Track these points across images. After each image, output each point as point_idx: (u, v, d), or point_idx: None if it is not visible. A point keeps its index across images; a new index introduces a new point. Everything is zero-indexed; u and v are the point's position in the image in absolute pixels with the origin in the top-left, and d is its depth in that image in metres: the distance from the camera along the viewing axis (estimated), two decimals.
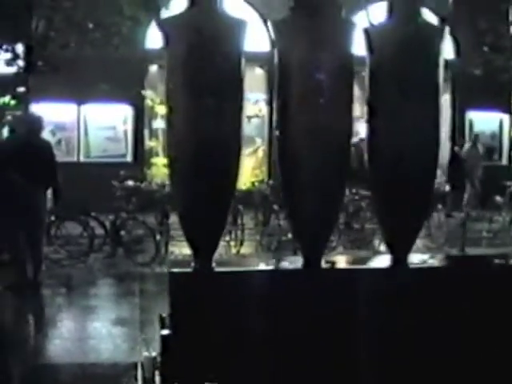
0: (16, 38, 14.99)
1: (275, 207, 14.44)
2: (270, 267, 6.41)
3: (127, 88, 18.97)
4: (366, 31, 6.25)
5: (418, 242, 14.91)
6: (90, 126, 20.74)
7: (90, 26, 14.55)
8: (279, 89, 6.12)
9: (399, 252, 6.35)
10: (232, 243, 14.50)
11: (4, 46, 14.83)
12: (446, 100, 22.04)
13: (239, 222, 14.34)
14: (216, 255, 5.95)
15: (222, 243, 15.26)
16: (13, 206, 10.58)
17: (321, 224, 6.14)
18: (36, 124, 11.52)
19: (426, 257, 7.13)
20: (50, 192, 11.30)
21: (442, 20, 6.59)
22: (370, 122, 6.32)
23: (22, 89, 16.79)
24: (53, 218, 12.99)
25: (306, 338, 5.78)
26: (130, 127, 20.92)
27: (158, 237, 13.39)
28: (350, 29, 6.17)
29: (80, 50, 15.31)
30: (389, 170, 6.22)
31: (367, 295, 5.93)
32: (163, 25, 5.91)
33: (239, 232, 14.35)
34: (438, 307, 5.98)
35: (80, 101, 20.20)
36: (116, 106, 20.45)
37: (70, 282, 12.09)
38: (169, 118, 5.90)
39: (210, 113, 5.76)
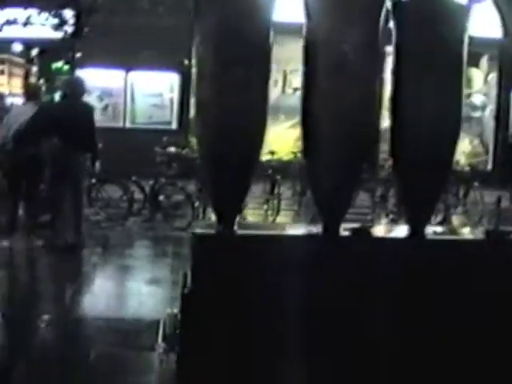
0: (64, 3, 15.36)
1: None
2: (289, 232, 6.68)
3: (174, 56, 19.26)
4: (393, 5, 6.45)
5: (455, 219, 15.04)
6: (137, 92, 21.10)
7: None
8: (306, 62, 6.36)
9: (417, 224, 6.57)
10: (269, 212, 14.78)
11: (52, 12, 15.20)
12: (492, 78, 22.01)
13: (276, 191, 14.60)
14: (250, 221, 6.25)
15: (259, 212, 15.61)
16: (53, 169, 10.96)
17: (339, 193, 6.39)
18: (78, 88, 11.84)
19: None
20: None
21: None
22: (393, 97, 6.53)
23: (71, 55, 17.20)
24: (94, 181, 13.39)
25: (321, 301, 6.04)
26: (176, 95, 21.23)
27: (196, 203, 13.70)
28: (379, 4, 6.37)
29: (127, 17, 15.62)
30: (409, 145, 6.44)
31: (381, 264, 6.17)
32: None
33: (276, 201, 14.61)
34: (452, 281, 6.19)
35: (128, 67, 20.54)
36: (163, 74, 20.76)
37: (108, 244, 12.48)
38: (197, 86, 6.17)
39: (236, 82, 6.01)
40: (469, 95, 21.10)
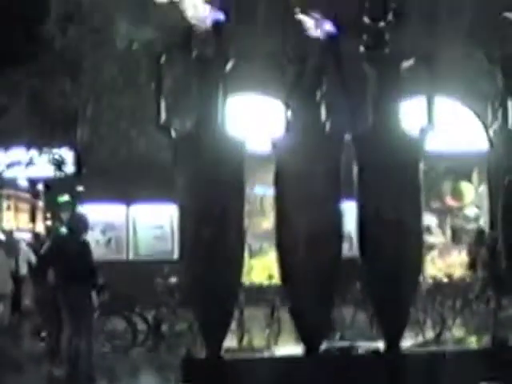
0: (63, 144, 16.41)
1: None
2: (272, 355, 7.33)
3: (172, 189, 20.09)
4: (354, 139, 7.30)
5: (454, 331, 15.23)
6: (139, 225, 21.93)
7: (134, 134, 15.86)
8: (278, 195, 7.17)
9: (391, 338, 7.22)
10: (271, 336, 15.25)
11: (52, 153, 16.24)
12: (483, 190, 22.77)
13: (275, 315, 15.12)
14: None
15: (262, 336, 16.04)
16: (57, 307, 11.57)
17: (316, 316, 7.08)
18: (81, 225, 12.54)
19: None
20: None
21: None
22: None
23: (74, 190, 18.08)
24: (98, 314, 13.99)
25: None
26: (176, 226, 21.95)
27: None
28: (338, 141, 7.23)
29: (126, 155, 16.60)
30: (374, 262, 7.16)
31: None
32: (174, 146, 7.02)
33: (276, 325, 15.11)
34: None
35: (128, 201, 21.42)
36: (162, 206, 21.62)
37: (114, 375, 12.96)
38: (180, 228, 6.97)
39: (214, 220, 6.79)
40: (462, 208, 21.93)
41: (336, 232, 7.20)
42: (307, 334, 7.10)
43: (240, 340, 14.45)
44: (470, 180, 22.39)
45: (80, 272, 11.61)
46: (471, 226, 22.35)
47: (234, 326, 14.48)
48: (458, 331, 15.12)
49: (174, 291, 15.31)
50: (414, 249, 7.35)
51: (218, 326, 6.91)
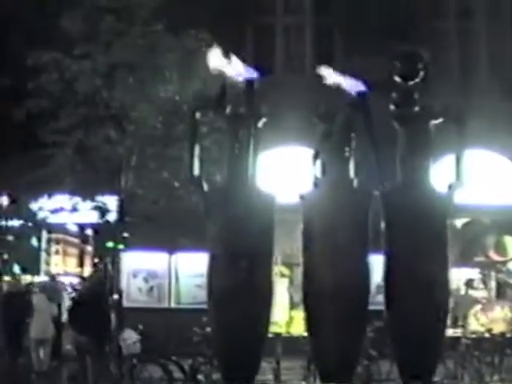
0: (107, 192, 16.78)
1: None
2: None
3: None
4: (382, 195, 7.52)
5: None
6: (181, 273, 22.20)
7: (176, 184, 16.17)
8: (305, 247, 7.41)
9: None
10: None
11: (95, 200, 16.61)
12: None
13: (312, 367, 15.22)
14: None
15: None
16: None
17: (343, 368, 7.25)
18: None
19: None
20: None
21: None
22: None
23: (118, 237, 18.35)
24: (135, 361, 14.23)
25: None
26: None
27: None
28: (366, 197, 7.45)
29: (167, 203, 16.92)
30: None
31: None
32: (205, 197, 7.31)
33: (312, 378, 15.21)
34: None
35: (171, 250, 21.73)
36: (204, 255, 21.89)
37: None
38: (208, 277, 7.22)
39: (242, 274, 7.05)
40: (505, 262, 21.85)
41: (363, 284, 7.39)
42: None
43: None
44: None
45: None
46: None
47: (270, 376, 14.71)
48: None
49: (211, 341, 15.51)
50: (441, 303, 7.49)
51: (243, 376, 7.11)
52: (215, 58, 7.24)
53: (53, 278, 19.76)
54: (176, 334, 17.51)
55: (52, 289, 17.57)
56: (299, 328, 17.82)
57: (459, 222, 20.69)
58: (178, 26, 15.38)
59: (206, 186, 7.45)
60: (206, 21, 16.94)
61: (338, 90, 7.62)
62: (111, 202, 17.49)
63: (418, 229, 7.40)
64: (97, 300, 12.12)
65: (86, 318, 11.80)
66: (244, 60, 7.70)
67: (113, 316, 13.17)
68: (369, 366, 14.57)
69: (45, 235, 34.57)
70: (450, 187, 7.71)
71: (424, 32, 19.49)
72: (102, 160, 16.30)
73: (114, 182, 16.57)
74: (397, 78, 7.95)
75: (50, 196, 17.82)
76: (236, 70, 7.38)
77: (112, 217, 17.42)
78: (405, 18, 18.93)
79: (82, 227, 29.12)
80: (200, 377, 14.78)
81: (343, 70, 7.78)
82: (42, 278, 19.58)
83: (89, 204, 17.23)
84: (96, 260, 29.86)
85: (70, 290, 23.19)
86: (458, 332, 16.27)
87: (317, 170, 7.67)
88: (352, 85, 7.66)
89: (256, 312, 7.10)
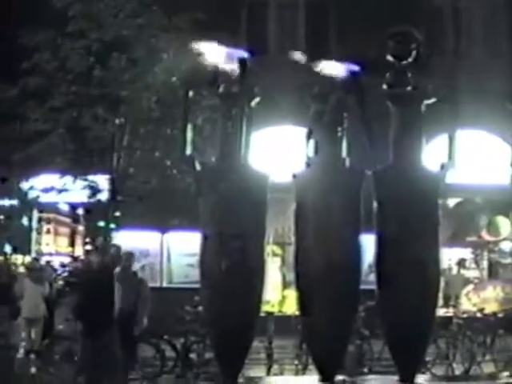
0: (97, 170, 16.81)
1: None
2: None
3: None
4: (374, 175, 7.58)
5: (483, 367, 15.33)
6: (173, 252, 22.32)
7: (168, 163, 16.24)
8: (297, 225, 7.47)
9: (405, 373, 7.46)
10: (299, 367, 15.47)
11: (86, 180, 16.64)
12: None
13: (304, 346, 15.34)
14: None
15: (290, 367, 16.23)
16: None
17: (333, 346, 7.33)
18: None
19: None
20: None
21: None
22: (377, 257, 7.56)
23: (110, 217, 18.38)
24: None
25: None
26: None
27: None
28: (358, 177, 7.51)
29: (159, 183, 16.98)
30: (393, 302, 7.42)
31: None
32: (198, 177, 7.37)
33: (304, 357, 15.32)
34: None
35: (163, 229, 21.83)
36: (197, 234, 21.94)
37: None
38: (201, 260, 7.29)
39: (234, 252, 7.11)
40: (497, 242, 21.99)
41: (355, 264, 7.46)
42: (323, 364, 7.35)
43: (268, 370, 14.71)
44: (506, 214, 22.46)
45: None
46: (507, 261, 22.40)
47: (263, 355, 14.83)
48: (487, 367, 15.22)
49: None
50: (432, 283, 7.57)
51: (235, 355, 7.18)
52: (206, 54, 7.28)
53: (34, 260, 19.61)
54: (168, 312, 17.57)
55: (42, 269, 17.63)
56: (292, 307, 17.93)
57: (452, 202, 20.83)
58: (173, 5, 15.39)
59: (198, 165, 7.49)
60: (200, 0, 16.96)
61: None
62: (103, 181, 17.55)
63: (410, 209, 7.46)
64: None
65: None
66: (237, 40, 7.74)
67: None
68: (361, 346, 14.70)
69: (36, 214, 34.64)
70: (442, 167, 7.77)
71: (419, 11, 19.53)
72: (94, 139, 16.33)
73: (106, 161, 16.62)
74: (390, 58, 7.98)
75: (38, 175, 17.87)
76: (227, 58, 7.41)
77: (104, 196, 17.48)
78: None
79: (73, 207, 29.16)
80: (192, 356, 14.90)
81: (337, 50, 7.81)
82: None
83: (80, 183, 17.26)
84: (87, 240, 29.86)
85: (60, 270, 23.32)
86: (450, 312, 16.40)
87: (309, 149, 7.72)
88: (345, 69, 7.70)
89: (248, 291, 7.16)
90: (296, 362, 15.59)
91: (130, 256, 13.78)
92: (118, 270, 12.86)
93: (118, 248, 13.76)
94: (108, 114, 16.26)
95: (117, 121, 16.28)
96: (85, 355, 11.23)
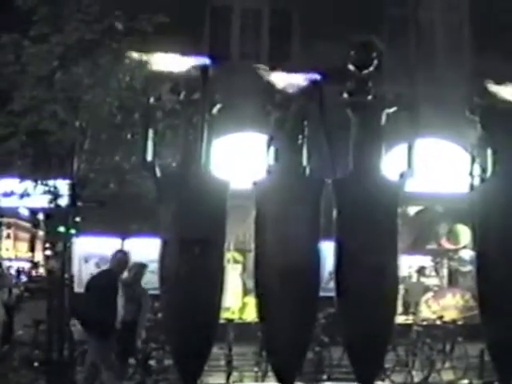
0: (57, 175, 16.69)
1: None
2: None
3: None
4: (334, 183, 7.65)
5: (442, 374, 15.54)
6: (133, 259, 22.16)
7: (127, 167, 16.14)
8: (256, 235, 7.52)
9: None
10: (259, 374, 15.49)
11: (47, 185, 16.51)
12: None
13: (264, 353, 15.35)
14: None
15: (250, 374, 16.23)
16: None
17: (292, 351, 7.38)
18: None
19: None
20: None
21: None
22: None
23: (71, 222, 18.28)
24: (86, 347, 14.24)
25: None
26: None
27: None
28: (318, 185, 7.57)
29: (119, 189, 16.89)
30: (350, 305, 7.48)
31: None
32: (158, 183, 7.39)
33: (264, 364, 15.35)
34: None
35: (123, 235, 21.72)
36: (157, 241, 21.86)
37: None
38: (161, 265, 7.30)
39: (194, 259, 7.13)
40: (457, 250, 22.18)
41: (314, 271, 7.52)
42: (282, 371, 7.39)
43: (228, 377, 14.72)
44: (466, 223, 22.65)
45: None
46: (467, 269, 22.59)
47: (222, 362, 14.84)
48: (447, 375, 15.35)
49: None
50: (390, 290, 7.65)
51: (194, 362, 7.20)
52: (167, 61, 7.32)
53: None
54: None
55: (1, 274, 17.50)
56: (252, 314, 17.96)
57: (412, 210, 20.99)
58: (136, 9, 15.35)
59: (158, 172, 7.51)
60: (164, 3, 16.93)
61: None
62: (63, 186, 17.44)
63: (369, 217, 7.54)
64: None
65: None
66: (200, 46, 7.77)
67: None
68: (320, 353, 14.76)
69: None
70: (401, 176, 7.85)
71: (382, 21, 19.71)
72: (55, 144, 16.23)
73: (66, 166, 16.51)
74: (351, 67, 8.06)
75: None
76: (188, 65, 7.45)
77: (64, 201, 17.37)
78: (364, 3, 19.07)
79: (33, 212, 28.95)
80: (152, 362, 14.86)
81: (300, 57, 7.87)
82: None
83: (41, 188, 17.15)
84: (47, 245, 29.65)
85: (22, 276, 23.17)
86: (410, 319, 16.54)
87: (270, 156, 7.77)
88: (307, 77, 7.77)
89: (208, 298, 7.19)
90: (256, 369, 15.61)
91: (142, 269, 13.78)
92: (124, 275, 12.86)
93: (126, 254, 13.63)
94: (69, 119, 16.18)
95: (77, 124, 16.20)
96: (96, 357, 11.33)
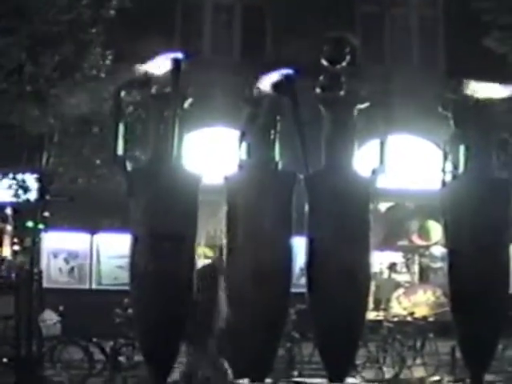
0: (25, 169, 16.54)
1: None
2: None
3: None
4: (306, 178, 7.67)
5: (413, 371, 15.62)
6: (102, 254, 22.13)
7: (98, 162, 16.04)
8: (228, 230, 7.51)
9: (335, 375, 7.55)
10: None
11: (14, 179, 16.36)
12: None
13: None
14: None
15: None
16: None
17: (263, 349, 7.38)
18: None
19: None
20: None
21: None
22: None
23: (39, 217, 18.15)
24: (55, 343, 14.19)
25: None
26: None
27: None
28: (290, 180, 7.58)
29: (88, 184, 16.80)
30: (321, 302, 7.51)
31: None
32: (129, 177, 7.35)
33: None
34: None
35: (92, 230, 21.65)
36: (127, 236, 21.80)
37: None
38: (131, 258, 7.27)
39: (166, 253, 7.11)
40: (428, 247, 22.32)
41: (286, 267, 7.53)
42: (252, 368, 7.39)
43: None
44: (437, 219, 22.74)
45: None
46: (438, 265, 22.71)
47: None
48: (418, 371, 15.42)
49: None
50: (362, 286, 7.68)
51: (164, 359, 7.19)
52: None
53: None
54: (97, 315, 17.44)
55: None
56: None
57: (383, 206, 21.04)
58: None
59: (129, 166, 7.48)
60: None
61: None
62: (31, 180, 17.31)
63: (340, 213, 7.56)
64: None
65: None
66: (171, 40, 7.74)
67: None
68: (291, 349, 14.77)
69: None
70: (373, 172, 7.89)
71: (356, 17, 19.77)
72: (23, 137, 16.10)
73: (35, 159, 16.39)
74: (324, 62, 8.08)
75: None
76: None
77: (32, 196, 17.24)
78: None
79: (1, 206, 28.61)
80: (121, 358, 14.80)
81: (272, 53, 7.88)
82: None
83: (8, 182, 16.99)
84: (15, 240, 29.42)
85: None
86: (381, 315, 16.58)
87: (242, 151, 7.77)
88: (279, 72, 7.77)
89: (178, 294, 7.17)
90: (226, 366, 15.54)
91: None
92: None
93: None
94: (38, 112, 16.06)
95: (48, 119, 16.09)
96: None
